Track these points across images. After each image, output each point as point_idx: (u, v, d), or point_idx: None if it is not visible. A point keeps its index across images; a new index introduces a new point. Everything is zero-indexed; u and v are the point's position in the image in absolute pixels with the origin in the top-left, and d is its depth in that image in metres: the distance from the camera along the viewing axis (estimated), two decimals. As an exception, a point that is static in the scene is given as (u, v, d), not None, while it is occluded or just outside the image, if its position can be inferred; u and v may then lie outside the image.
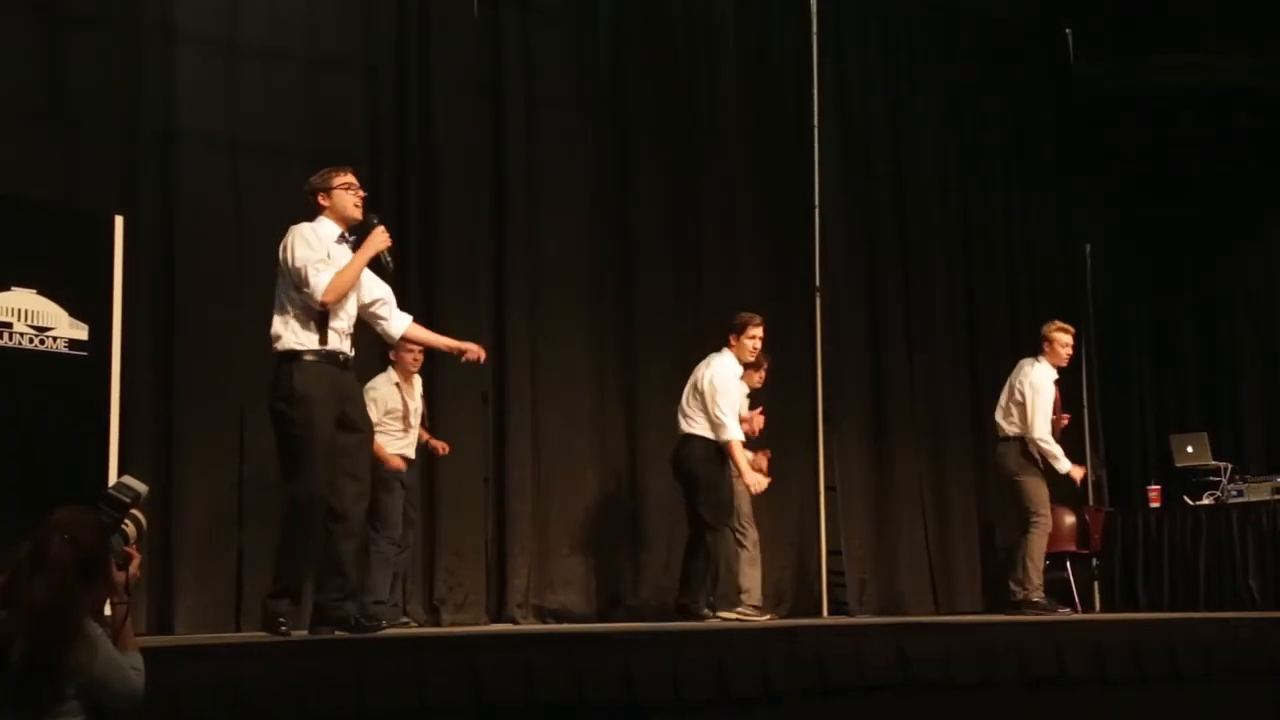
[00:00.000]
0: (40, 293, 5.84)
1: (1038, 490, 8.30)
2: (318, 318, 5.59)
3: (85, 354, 5.96)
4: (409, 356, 7.51)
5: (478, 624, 7.99)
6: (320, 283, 5.52)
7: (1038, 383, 8.33)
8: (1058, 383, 8.48)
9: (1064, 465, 8.38)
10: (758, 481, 7.75)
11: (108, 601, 3.44)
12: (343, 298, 5.61)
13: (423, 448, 7.73)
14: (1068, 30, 11.25)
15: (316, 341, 5.57)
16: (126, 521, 3.47)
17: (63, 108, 7.10)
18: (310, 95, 7.97)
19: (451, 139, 8.45)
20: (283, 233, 5.69)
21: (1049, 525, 8.37)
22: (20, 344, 5.76)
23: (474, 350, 6.09)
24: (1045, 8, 11.39)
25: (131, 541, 3.49)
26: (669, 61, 9.56)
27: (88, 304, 5.98)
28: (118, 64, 7.31)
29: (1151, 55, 10.93)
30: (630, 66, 9.37)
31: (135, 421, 6.85)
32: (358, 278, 5.67)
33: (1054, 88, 11.40)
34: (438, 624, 7.89)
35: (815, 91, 10.18)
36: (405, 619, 7.63)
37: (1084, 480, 9.88)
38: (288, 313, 5.60)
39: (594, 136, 9.14)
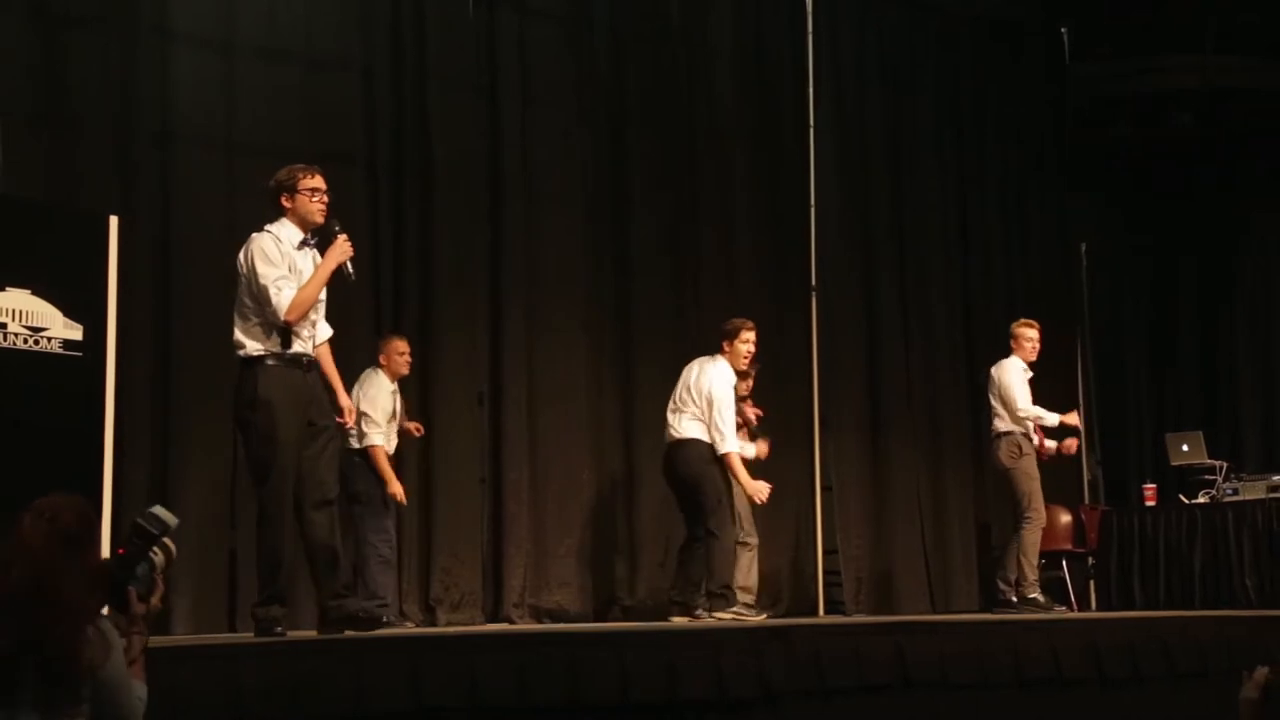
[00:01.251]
0: (35, 293, 5.82)
1: (1030, 485, 8.38)
2: (280, 324, 5.60)
3: (80, 355, 5.95)
4: (401, 360, 7.62)
5: (474, 624, 7.99)
6: (283, 303, 5.53)
7: (1006, 371, 8.60)
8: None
9: (1052, 419, 8.58)
10: (759, 491, 7.78)
11: (126, 631, 3.33)
12: (306, 314, 5.61)
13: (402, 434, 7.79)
14: (1065, 30, 11.25)
15: (279, 346, 5.58)
16: (155, 549, 3.39)
17: (58, 108, 7.11)
18: (306, 96, 7.98)
19: (448, 140, 8.45)
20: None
21: (1042, 521, 8.44)
22: (15, 344, 5.74)
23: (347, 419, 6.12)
24: (1043, 8, 11.39)
25: (159, 570, 3.42)
26: (665, 61, 9.55)
27: (83, 305, 5.97)
28: (114, 64, 7.32)
29: (1149, 56, 10.92)
30: (626, 66, 9.36)
31: (130, 422, 6.85)
32: (320, 292, 5.68)
33: (1051, 88, 11.38)
34: (434, 624, 7.89)
35: (812, 91, 10.17)
36: (403, 619, 7.64)
37: (1082, 468, 9.94)
38: (249, 320, 5.61)
39: (590, 136, 9.13)
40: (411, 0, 8.44)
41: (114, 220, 6.23)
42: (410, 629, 7.47)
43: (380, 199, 8.22)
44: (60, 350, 5.88)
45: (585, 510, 8.77)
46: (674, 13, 9.63)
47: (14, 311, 5.76)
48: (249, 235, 5.73)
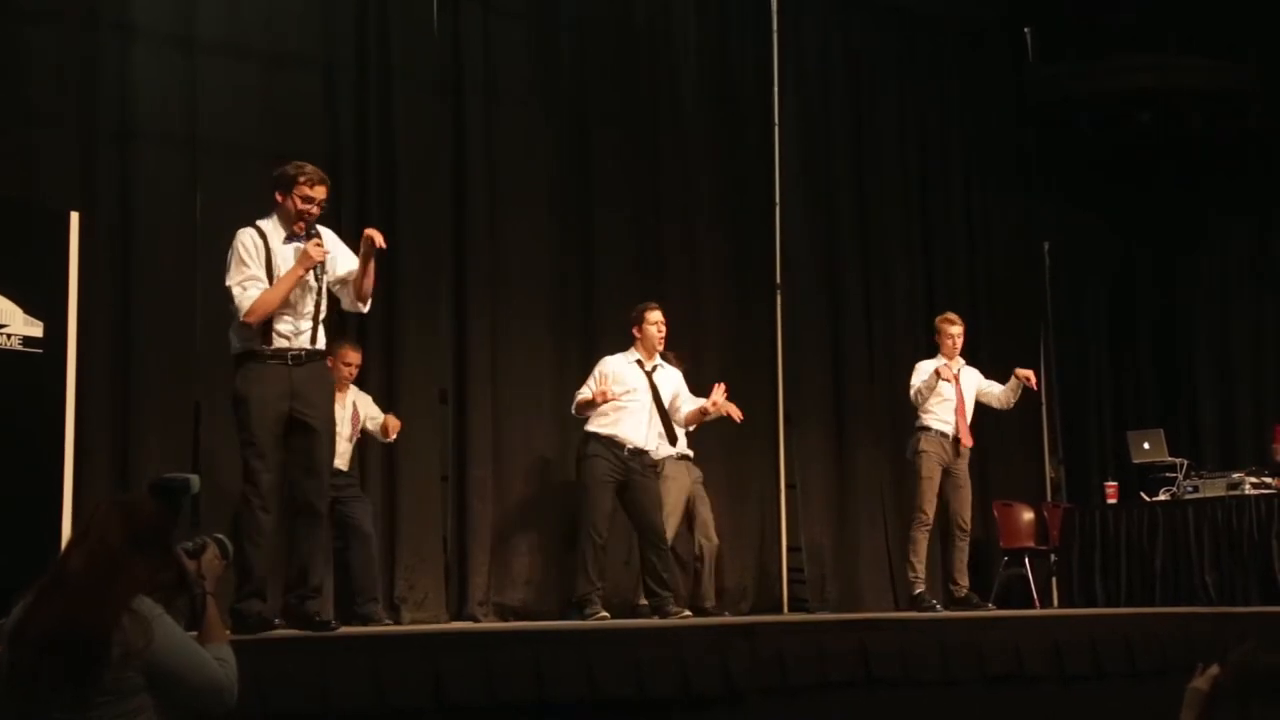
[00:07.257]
0: (-6, 290, 5.78)
1: (923, 485, 8.47)
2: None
3: (40, 351, 5.90)
4: (346, 370, 7.41)
5: (438, 622, 7.96)
6: (244, 304, 5.56)
7: (918, 371, 8.61)
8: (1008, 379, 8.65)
9: (931, 380, 8.48)
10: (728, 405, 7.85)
11: (172, 590, 3.29)
12: (267, 317, 5.58)
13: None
14: (1027, 30, 11.31)
15: (260, 343, 5.59)
16: (226, 541, 3.44)
17: (19, 103, 7.04)
18: (269, 93, 7.93)
19: (411, 137, 8.41)
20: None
21: (927, 522, 8.47)
22: (-26, 342, 5.70)
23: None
24: (1005, 8, 11.44)
25: (221, 556, 3.41)
26: (630, 60, 9.54)
27: (43, 301, 5.93)
28: (75, 60, 7.26)
29: (1111, 56, 10.99)
30: (591, 65, 9.35)
31: (90, 419, 6.79)
32: (285, 298, 5.62)
33: (1013, 87, 11.45)
34: (398, 622, 7.85)
35: (776, 89, 10.20)
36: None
37: (1044, 466, 9.95)
38: (235, 318, 5.63)
39: (555, 135, 9.12)
40: (375, -3, 8.42)
41: (75, 216, 6.19)
42: (372, 628, 7.43)
43: (343, 197, 8.17)
44: (20, 347, 5.84)
45: (549, 507, 8.75)
46: (638, 10, 9.62)
47: (-27, 309, 5.72)
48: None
